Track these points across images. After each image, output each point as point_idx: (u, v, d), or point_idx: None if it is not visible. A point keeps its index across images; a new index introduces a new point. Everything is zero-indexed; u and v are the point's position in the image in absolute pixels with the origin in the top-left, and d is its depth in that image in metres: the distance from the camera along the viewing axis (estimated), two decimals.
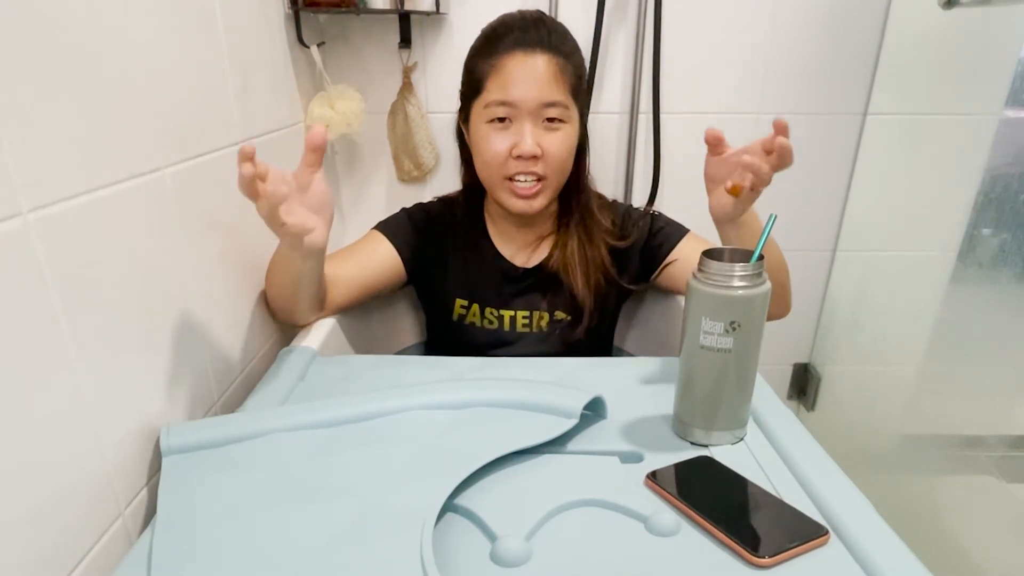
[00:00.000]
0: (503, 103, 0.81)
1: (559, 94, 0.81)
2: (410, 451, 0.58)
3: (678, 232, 0.92)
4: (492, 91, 0.82)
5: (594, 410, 0.67)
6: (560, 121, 0.82)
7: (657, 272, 0.93)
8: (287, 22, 0.99)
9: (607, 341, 1.03)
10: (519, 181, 0.84)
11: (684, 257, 0.90)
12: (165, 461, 0.58)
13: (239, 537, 0.49)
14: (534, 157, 0.82)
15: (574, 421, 0.61)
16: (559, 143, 0.83)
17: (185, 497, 0.53)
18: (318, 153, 0.65)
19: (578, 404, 0.62)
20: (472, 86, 0.85)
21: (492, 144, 0.83)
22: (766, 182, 0.68)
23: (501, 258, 0.94)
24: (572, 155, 0.86)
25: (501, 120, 0.82)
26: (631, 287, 0.95)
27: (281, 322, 0.90)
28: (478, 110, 0.84)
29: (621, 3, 1.14)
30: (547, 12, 1.12)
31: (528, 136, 0.81)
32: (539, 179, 0.84)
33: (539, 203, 0.86)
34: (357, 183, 1.25)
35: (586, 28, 1.12)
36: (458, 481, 0.53)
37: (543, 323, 0.94)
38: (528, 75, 0.80)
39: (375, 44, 1.15)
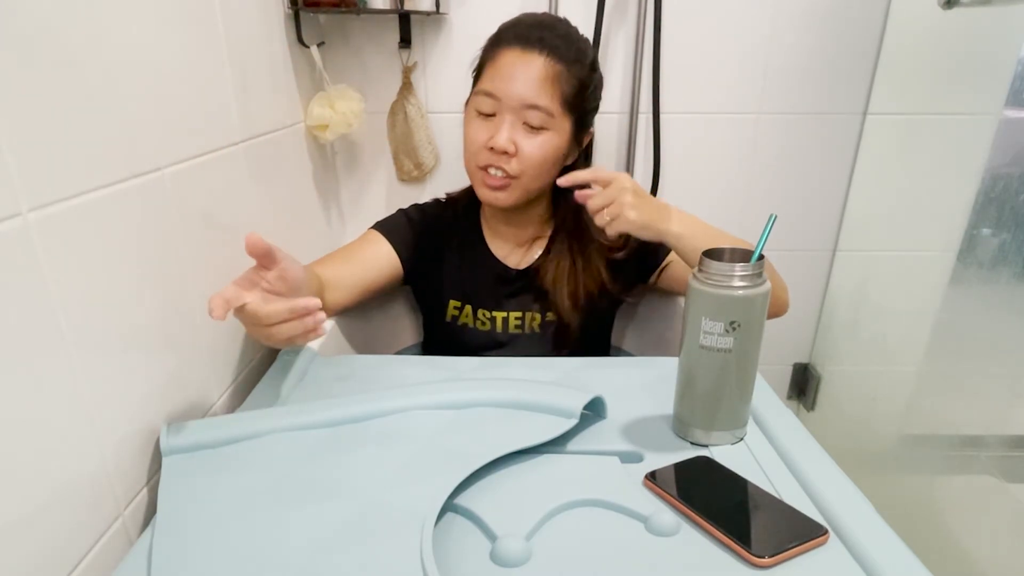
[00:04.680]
0: (488, 95, 0.82)
1: (545, 99, 0.80)
2: (410, 451, 0.58)
3: None
4: (483, 81, 0.83)
5: (594, 410, 0.67)
6: (542, 128, 0.81)
7: (656, 275, 0.93)
8: (287, 22, 0.99)
9: (603, 342, 1.03)
10: (490, 172, 0.84)
11: (679, 261, 0.90)
12: (165, 461, 0.58)
13: (239, 537, 0.49)
14: (505, 153, 0.81)
15: (574, 421, 0.61)
16: (536, 148, 0.82)
17: (185, 497, 0.53)
18: (266, 258, 0.62)
19: (578, 404, 0.62)
20: (474, 74, 0.87)
21: (472, 131, 0.84)
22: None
23: (495, 259, 0.94)
24: (552, 163, 0.84)
25: (487, 113, 0.83)
26: (624, 297, 0.95)
27: None
28: (471, 98, 0.86)
29: (621, 3, 1.14)
30: (547, 12, 1.12)
31: (504, 131, 0.81)
32: (509, 176, 0.83)
33: (505, 198, 0.85)
34: (357, 183, 1.25)
35: (586, 28, 1.12)
36: (458, 481, 0.53)
37: (535, 324, 0.94)
38: (518, 73, 0.80)
39: (375, 44, 1.15)
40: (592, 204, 0.74)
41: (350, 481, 0.55)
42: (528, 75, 0.79)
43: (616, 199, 0.73)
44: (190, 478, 0.56)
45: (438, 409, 0.65)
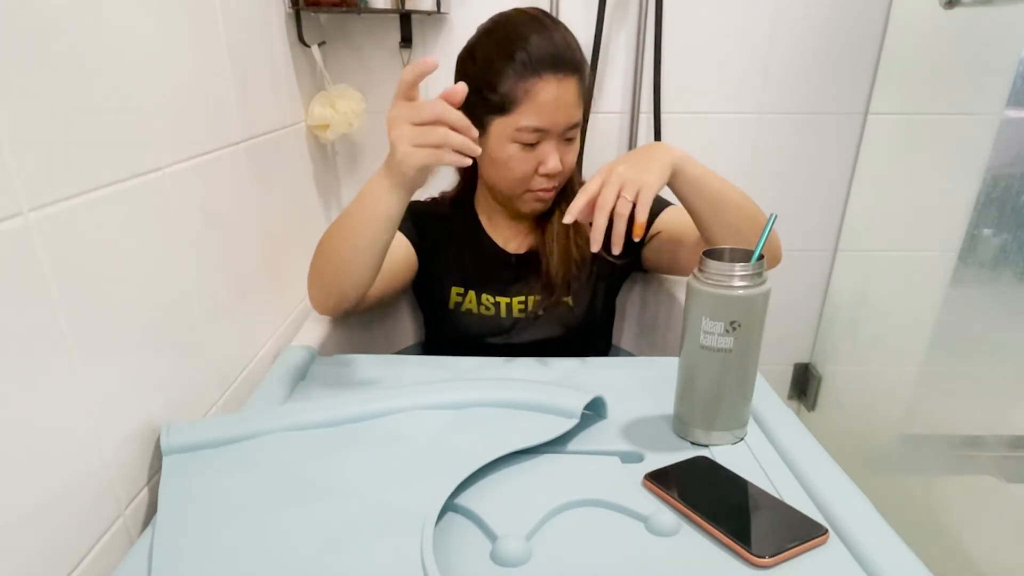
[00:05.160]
0: (537, 130, 0.81)
1: (579, 113, 0.84)
2: (410, 451, 0.58)
3: (659, 204, 0.92)
4: (526, 116, 0.80)
5: (594, 410, 0.67)
6: (575, 135, 0.86)
7: (643, 244, 0.93)
8: (288, 21, 0.99)
9: (604, 330, 1.03)
10: (539, 192, 0.87)
11: (667, 228, 0.90)
12: (165, 461, 0.58)
13: (239, 537, 0.49)
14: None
15: (575, 421, 0.61)
16: (574, 154, 0.87)
17: (185, 497, 0.53)
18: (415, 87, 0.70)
19: (579, 404, 0.62)
20: (497, 102, 0.82)
21: (520, 164, 0.84)
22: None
23: (494, 245, 0.95)
24: None
25: (532, 143, 0.83)
26: (615, 260, 0.93)
27: (317, 295, 0.82)
28: (505, 127, 0.82)
29: (622, 3, 1.14)
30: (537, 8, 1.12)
31: (555, 156, 0.83)
32: (557, 185, 0.88)
33: (550, 200, 0.90)
34: (358, 183, 1.25)
35: (587, 28, 1.12)
36: (458, 481, 0.53)
37: (539, 308, 0.94)
38: (561, 102, 0.81)
39: (376, 44, 1.15)
40: (602, 203, 0.71)
41: (350, 481, 0.55)
42: (568, 100, 0.81)
43: (620, 184, 0.71)
44: (190, 478, 0.56)
45: (438, 409, 0.65)
